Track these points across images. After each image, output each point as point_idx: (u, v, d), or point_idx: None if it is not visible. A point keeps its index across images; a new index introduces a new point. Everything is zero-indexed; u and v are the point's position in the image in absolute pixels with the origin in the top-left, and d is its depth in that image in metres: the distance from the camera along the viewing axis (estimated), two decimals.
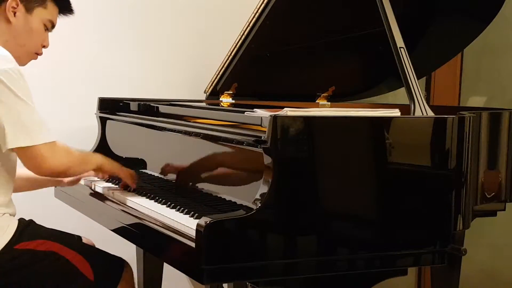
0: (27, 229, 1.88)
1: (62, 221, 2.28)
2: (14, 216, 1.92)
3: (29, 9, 1.93)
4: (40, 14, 1.95)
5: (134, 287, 2.05)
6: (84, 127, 2.67)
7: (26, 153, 1.79)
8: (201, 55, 2.96)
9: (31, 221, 1.95)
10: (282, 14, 2.25)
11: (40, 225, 1.96)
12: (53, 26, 2.02)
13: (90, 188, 2.21)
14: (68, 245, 1.89)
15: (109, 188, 2.11)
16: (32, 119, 1.78)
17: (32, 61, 2.03)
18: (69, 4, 2.05)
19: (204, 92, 2.60)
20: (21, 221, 1.91)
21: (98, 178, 2.24)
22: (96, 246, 2.11)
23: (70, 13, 2.06)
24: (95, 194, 2.15)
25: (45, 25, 1.98)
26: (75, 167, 1.94)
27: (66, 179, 2.19)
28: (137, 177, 2.09)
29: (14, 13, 1.91)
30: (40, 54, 2.02)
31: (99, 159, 2.05)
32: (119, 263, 1.99)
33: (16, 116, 1.75)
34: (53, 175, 1.94)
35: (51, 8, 1.99)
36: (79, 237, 2.09)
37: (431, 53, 2.53)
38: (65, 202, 2.36)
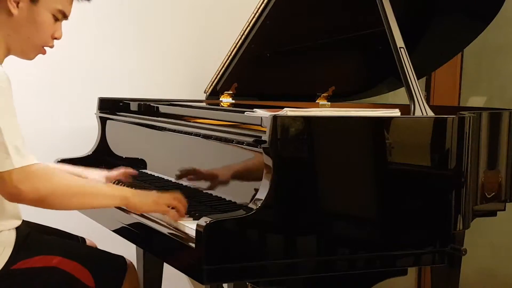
0: (25, 243, 1.79)
1: (63, 220, 2.27)
2: (19, 219, 1.82)
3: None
4: (47, 4, 1.74)
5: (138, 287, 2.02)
6: (84, 127, 2.67)
7: None
8: (201, 55, 2.96)
9: (29, 232, 1.85)
10: (282, 14, 2.25)
11: (39, 234, 1.89)
12: (64, 15, 1.80)
13: None
14: (67, 255, 1.81)
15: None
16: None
17: (32, 61, 2.00)
18: None
19: (204, 92, 2.60)
20: (19, 234, 1.80)
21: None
22: (97, 246, 2.10)
23: None
24: None
25: (54, 16, 1.77)
26: (59, 199, 1.64)
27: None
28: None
29: (17, 4, 1.71)
30: (51, 46, 1.82)
31: (121, 194, 1.72)
32: (121, 266, 1.93)
33: None
34: (23, 203, 1.63)
35: None
36: (83, 240, 2.08)
37: (431, 53, 2.53)
38: None
